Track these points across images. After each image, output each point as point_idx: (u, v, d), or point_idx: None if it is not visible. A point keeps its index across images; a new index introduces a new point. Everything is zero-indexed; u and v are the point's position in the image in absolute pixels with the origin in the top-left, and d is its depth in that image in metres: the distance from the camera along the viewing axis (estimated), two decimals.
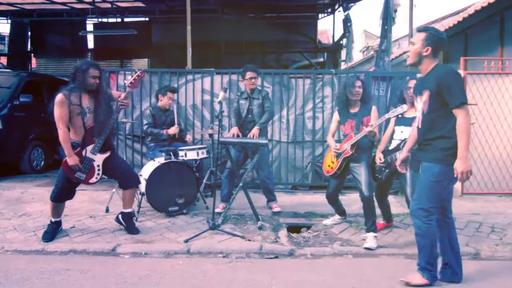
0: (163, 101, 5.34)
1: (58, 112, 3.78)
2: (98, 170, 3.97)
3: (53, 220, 4.10)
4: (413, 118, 3.73)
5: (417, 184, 3.17)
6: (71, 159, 3.83)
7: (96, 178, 3.97)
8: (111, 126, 3.95)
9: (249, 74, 4.89)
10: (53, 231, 4.07)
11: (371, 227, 3.97)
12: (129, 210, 4.24)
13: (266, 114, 4.97)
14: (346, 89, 4.19)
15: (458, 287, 3.22)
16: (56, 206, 4.05)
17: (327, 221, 4.59)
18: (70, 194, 4.09)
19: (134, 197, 4.33)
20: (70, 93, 3.82)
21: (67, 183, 3.97)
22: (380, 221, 4.35)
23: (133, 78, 4.10)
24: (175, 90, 5.49)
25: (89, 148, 3.92)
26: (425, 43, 2.97)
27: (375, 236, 3.96)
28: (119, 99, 4.04)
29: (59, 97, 3.79)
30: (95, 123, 3.90)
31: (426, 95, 3.01)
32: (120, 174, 4.15)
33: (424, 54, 2.99)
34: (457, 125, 2.87)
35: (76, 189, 4.12)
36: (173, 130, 5.19)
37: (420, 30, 3.06)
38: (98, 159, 3.96)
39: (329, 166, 4.31)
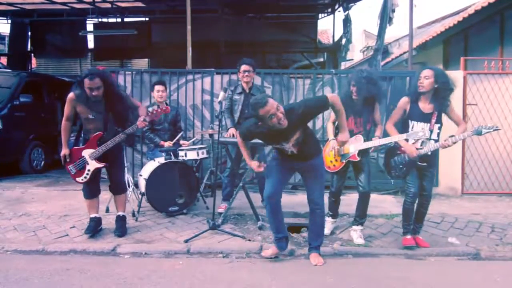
0: (155, 97, 5.30)
1: (65, 107, 3.99)
2: (87, 174, 4.03)
3: (92, 216, 4.20)
4: (431, 114, 3.74)
5: None
6: (62, 150, 4.03)
7: (82, 180, 4.05)
8: (117, 140, 3.97)
9: (243, 67, 4.84)
10: (94, 227, 4.16)
11: (361, 220, 4.12)
12: (120, 213, 4.31)
13: None
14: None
15: (458, 287, 3.22)
16: (89, 204, 4.21)
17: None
18: (94, 191, 4.20)
19: (123, 201, 4.36)
20: (79, 95, 3.91)
21: (88, 182, 4.09)
22: (407, 236, 3.95)
23: (155, 109, 4.13)
24: (160, 82, 5.32)
25: (90, 151, 3.99)
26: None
27: (362, 229, 4.15)
28: (140, 118, 4.03)
29: (69, 95, 3.96)
30: (105, 132, 3.98)
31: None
32: (110, 179, 4.26)
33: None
34: None
35: (96, 187, 4.20)
36: (167, 144, 5.09)
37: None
38: (91, 165, 4.01)
39: (331, 162, 4.11)
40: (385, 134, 3.97)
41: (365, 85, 3.85)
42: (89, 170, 4.01)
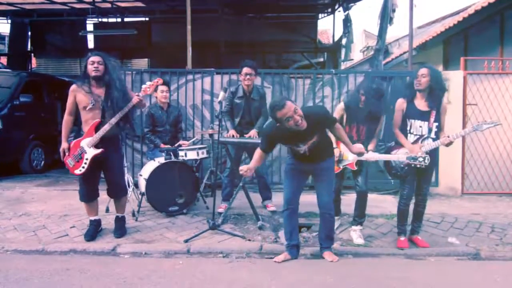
0: (158, 97, 5.29)
1: (68, 100, 4.01)
2: (84, 163, 3.95)
3: (91, 219, 4.18)
4: (428, 112, 3.79)
5: None
6: (62, 145, 4.02)
7: (80, 170, 3.97)
8: (113, 122, 3.92)
9: (245, 70, 4.81)
10: (93, 231, 4.13)
11: (360, 220, 4.13)
12: (119, 214, 4.28)
13: (262, 118, 4.93)
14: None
15: (458, 287, 3.22)
16: (87, 206, 4.17)
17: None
18: (93, 193, 4.16)
19: (124, 204, 4.33)
20: (81, 84, 3.95)
21: (85, 183, 4.08)
22: (401, 237, 4.00)
23: (149, 85, 4.15)
24: (164, 82, 5.20)
25: (88, 139, 3.94)
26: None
27: (361, 229, 4.15)
28: (135, 97, 4.05)
29: (72, 86, 4.01)
30: (103, 120, 3.94)
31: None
32: (109, 182, 4.18)
33: None
34: None
35: (93, 188, 4.16)
36: (166, 146, 5.11)
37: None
38: (89, 153, 3.94)
39: None
40: (394, 138, 4.05)
41: (373, 97, 3.91)
42: (87, 159, 3.93)
